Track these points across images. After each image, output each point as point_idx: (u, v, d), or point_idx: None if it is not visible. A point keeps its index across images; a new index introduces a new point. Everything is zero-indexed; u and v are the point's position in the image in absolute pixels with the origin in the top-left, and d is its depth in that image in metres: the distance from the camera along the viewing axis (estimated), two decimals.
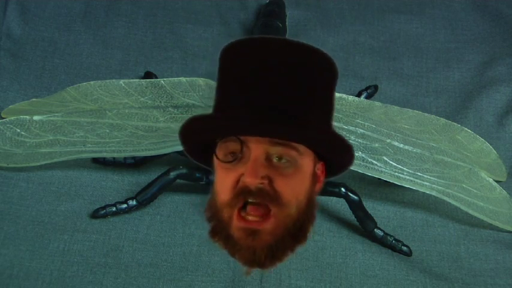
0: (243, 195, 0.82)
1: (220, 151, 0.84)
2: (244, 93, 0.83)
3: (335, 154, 0.86)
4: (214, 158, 0.85)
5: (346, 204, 1.05)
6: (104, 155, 1.09)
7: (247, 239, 0.82)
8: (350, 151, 0.84)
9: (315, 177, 0.87)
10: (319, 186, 0.89)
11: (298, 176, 0.84)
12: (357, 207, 1.04)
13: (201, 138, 0.86)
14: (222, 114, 0.84)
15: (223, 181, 0.84)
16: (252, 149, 0.82)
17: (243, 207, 0.83)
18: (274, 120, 0.81)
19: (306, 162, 0.85)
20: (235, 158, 0.82)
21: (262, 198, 0.82)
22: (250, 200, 0.82)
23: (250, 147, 0.82)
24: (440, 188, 1.07)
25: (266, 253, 0.83)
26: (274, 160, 0.83)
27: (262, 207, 0.82)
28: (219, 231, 0.85)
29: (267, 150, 0.82)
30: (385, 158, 1.07)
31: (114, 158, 1.13)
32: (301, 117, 0.82)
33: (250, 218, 0.82)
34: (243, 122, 0.81)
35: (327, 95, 0.86)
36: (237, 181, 0.82)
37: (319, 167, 0.88)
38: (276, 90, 0.82)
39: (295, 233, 0.84)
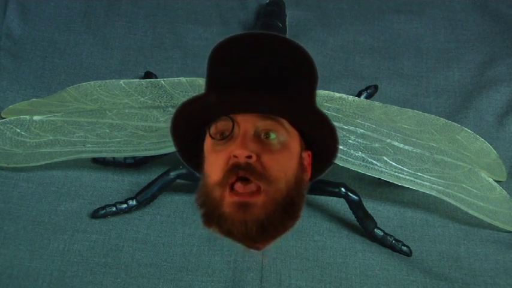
0: (234, 171, 0.83)
1: (211, 132, 0.87)
2: (231, 75, 0.86)
3: (317, 130, 0.88)
4: (206, 142, 0.88)
5: (346, 204, 1.05)
6: (104, 155, 1.09)
7: (238, 212, 0.84)
8: (332, 129, 0.86)
9: (302, 163, 0.89)
10: (307, 176, 0.90)
11: (286, 153, 0.86)
12: (357, 207, 1.04)
13: (192, 122, 0.88)
14: (211, 95, 0.87)
15: (215, 162, 0.86)
16: (241, 124, 0.85)
17: (233, 186, 0.84)
18: (261, 96, 0.84)
19: (293, 142, 0.87)
20: (227, 135, 0.85)
21: (251, 174, 0.83)
22: (240, 176, 0.84)
23: (239, 123, 0.85)
24: (440, 188, 1.07)
25: (257, 227, 0.84)
26: (263, 136, 0.85)
27: (252, 184, 0.84)
28: (212, 213, 0.86)
29: (255, 124, 0.85)
30: (385, 158, 1.07)
31: (114, 158, 1.13)
32: (286, 93, 0.86)
33: (240, 191, 0.84)
34: (233, 100, 0.84)
35: (309, 83, 0.90)
36: (228, 160, 0.84)
37: (306, 157, 0.90)
38: (262, 72, 0.85)
39: (286, 208, 0.85)
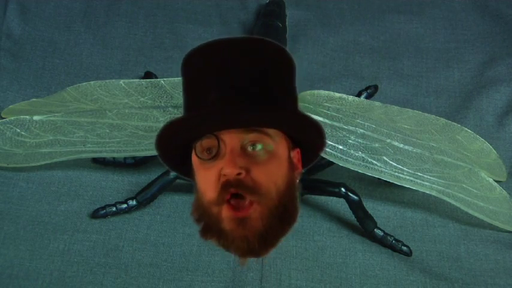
0: (226, 189, 0.83)
1: (197, 151, 0.86)
2: (209, 90, 0.85)
3: (304, 133, 0.88)
4: (194, 159, 0.87)
5: (346, 204, 1.05)
6: (104, 155, 1.09)
7: (238, 228, 0.84)
8: (319, 129, 0.86)
9: (292, 163, 0.89)
10: (298, 175, 0.90)
11: (274, 161, 0.86)
12: (357, 207, 1.04)
13: (175, 143, 0.87)
14: (192, 114, 0.86)
15: (206, 179, 0.85)
16: (227, 141, 0.84)
17: (229, 201, 0.84)
18: (243, 110, 0.83)
19: (280, 147, 0.87)
20: (214, 154, 0.84)
21: (242, 190, 0.83)
22: (232, 193, 0.84)
23: (224, 140, 0.84)
24: (440, 188, 1.07)
25: (259, 240, 0.84)
26: (249, 149, 0.85)
27: (245, 200, 0.84)
28: (211, 227, 0.86)
29: (241, 139, 0.84)
30: (385, 158, 1.07)
31: (114, 158, 1.13)
32: (268, 103, 0.85)
33: (236, 205, 0.84)
34: (214, 118, 0.83)
35: (288, 82, 0.89)
36: (219, 177, 0.84)
37: (295, 155, 0.90)
38: (239, 82, 0.84)
39: (281, 215, 0.85)
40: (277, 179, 0.86)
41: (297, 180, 0.90)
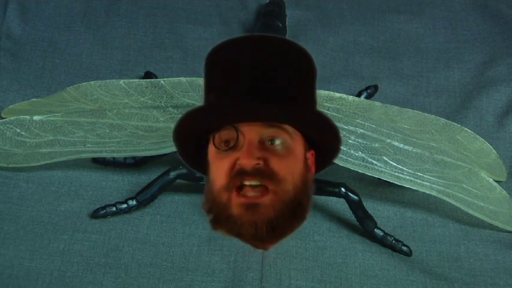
0: (239, 176, 0.84)
1: (216, 141, 0.87)
2: (233, 83, 0.86)
3: (321, 134, 0.88)
4: (210, 149, 0.88)
5: (346, 204, 1.05)
6: (104, 155, 1.09)
7: (247, 213, 0.84)
8: (335, 132, 0.86)
9: (307, 164, 0.89)
10: (312, 176, 0.91)
11: (291, 157, 0.87)
12: (357, 207, 1.04)
13: (195, 131, 0.88)
14: (215, 104, 0.87)
15: (219, 168, 0.86)
16: (246, 133, 0.85)
17: (240, 189, 0.85)
18: (266, 105, 0.85)
19: (298, 145, 0.88)
20: (232, 145, 0.85)
21: (259, 177, 0.84)
22: (246, 183, 0.84)
23: (243, 132, 0.85)
24: (440, 188, 1.07)
25: (267, 227, 0.84)
26: (267, 143, 0.86)
27: (259, 188, 0.84)
28: (219, 216, 0.86)
29: (260, 132, 0.85)
30: (385, 158, 1.07)
31: (114, 158, 1.13)
32: (289, 100, 0.86)
33: (248, 194, 0.84)
34: (237, 109, 0.84)
35: (309, 83, 0.90)
36: (233, 166, 0.85)
37: (310, 157, 0.91)
38: (263, 79, 0.85)
39: (294, 208, 0.86)
40: (294, 172, 0.86)
41: (312, 181, 0.90)
